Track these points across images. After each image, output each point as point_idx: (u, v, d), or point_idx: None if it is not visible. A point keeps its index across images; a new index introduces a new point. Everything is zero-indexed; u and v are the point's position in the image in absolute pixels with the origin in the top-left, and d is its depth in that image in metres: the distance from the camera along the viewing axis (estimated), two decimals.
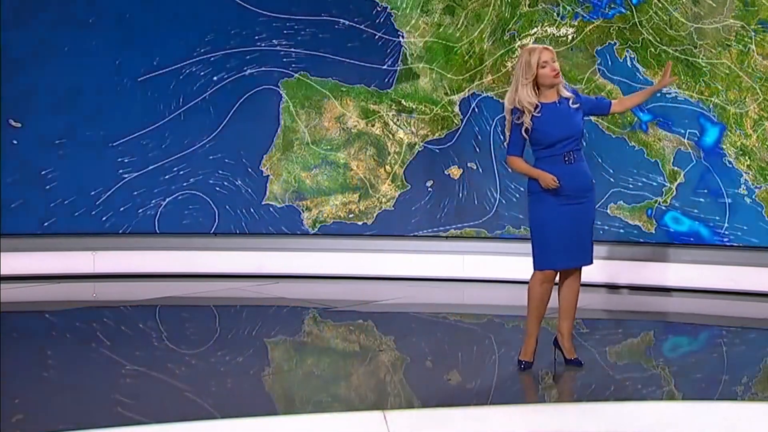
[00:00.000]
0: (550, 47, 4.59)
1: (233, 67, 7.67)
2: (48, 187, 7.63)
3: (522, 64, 4.51)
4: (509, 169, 4.74)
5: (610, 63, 7.08)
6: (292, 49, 7.66)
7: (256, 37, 7.66)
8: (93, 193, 7.67)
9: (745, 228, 6.82)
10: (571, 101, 4.54)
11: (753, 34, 6.69)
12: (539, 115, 4.47)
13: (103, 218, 7.69)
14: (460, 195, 7.53)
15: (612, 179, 7.13)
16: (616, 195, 7.14)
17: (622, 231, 7.15)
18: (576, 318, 4.74)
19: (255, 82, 7.68)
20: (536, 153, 4.58)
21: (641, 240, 7.11)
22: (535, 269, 4.59)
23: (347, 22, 7.61)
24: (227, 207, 7.74)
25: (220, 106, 7.68)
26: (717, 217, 6.88)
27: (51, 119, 7.60)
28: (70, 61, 7.60)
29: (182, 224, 7.75)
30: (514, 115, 4.51)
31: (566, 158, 4.50)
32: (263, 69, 7.67)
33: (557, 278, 4.66)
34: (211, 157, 7.72)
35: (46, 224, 7.63)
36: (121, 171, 7.70)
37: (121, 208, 7.70)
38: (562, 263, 4.58)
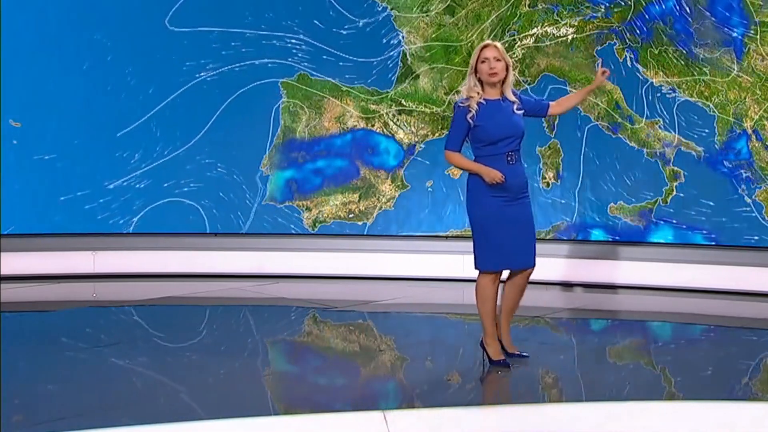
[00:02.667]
0: (499, 45, 4.58)
1: (233, 66, 7.67)
2: (48, 186, 7.63)
3: (472, 56, 4.59)
4: (450, 164, 4.75)
5: (610, 63, 7.08)
6: (292, 49, 7.66)
7: (257, 35, 7.66)
8: (93, 192, 7.67)
9: (744, 228, 6.82)
10: (515, 106, 4.56)
11: (752, 33, 6.69)
12: (480, 106, 4.48)
13: (104, 218, 7.69)
14: (461, 195, 7.53)
15: (612, 179, 7.14)
16: (616, 195, 7.15)
17: (622, 231, 7.15)
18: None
19: (255, 82, 7.67)
20: (477, 151, 4.56)
21: (640, 240, 7.12)
22: (481, 270, 4.57)
23: (347, 22, 7.61)
24: (227, 207, 7.74)
25: (220, 105, 7.68)
26: (716, 217, 6.88)
27: (51, 119, 7.60)
28: (71, 61, 7.60)
29: (182, 224, 7.75)
30: (458, 109, 4.53)
31: (508, 158, 4.52)
32: (263, 69, 7.67)
33: (504, 276, 4.69)
34: (211, 157, 7.72)
35: (46, 224, 7.64)
36: (121, 171, 7.70)
37: (121, 208, 7.70)
38: (508, 263, 4.58)
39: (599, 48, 7.13)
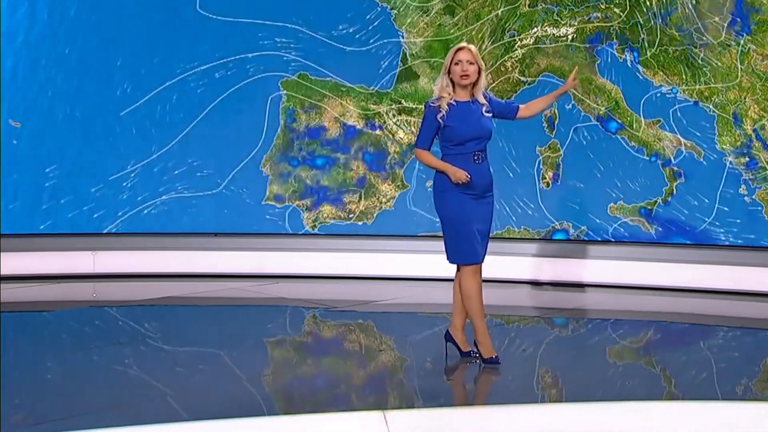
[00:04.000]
0: (473, 49, 4.64)
1: (233, 66, 7.67)
2: (48, 186, 7.63)
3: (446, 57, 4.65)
4: (419, 162, 4.82)
5: (610, 63, 7.08)
6: (293, 49, 7.66)
7: (257, 36, 7.66)
8: (92, 193, 7.67)
9: (744, 227, 6.82)
10: (484, 108, 4.63)
11: (753, 33, 6.69)
12: (451, 107, 4.55)
13: (104, 218, 7.68)
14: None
15: (612, 179, 7.14)
16: (615, 195, 7.15)
17: (622, 231, 7.15)
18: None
19: (255, 81, 7.67)
20: (445, 150, 4.64)
21: (641, 240, 7.12)
22: (461, 264, 4.64)
23: (348, 22, 7.61)
24: (227, 207, 7.74)
25: (220, 105, 7.68)
26: (716, 217, 6.88)
27: (51, 118, 7.60)
28: (71, 61, 7.60)
29: (182, 224, 7.75)
30: (428, 108, 4.60)
31: (475, 157, 4.58)
32: (263, 69, 7.67)
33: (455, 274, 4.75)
34: (210, 156, 7.72)
35: (45, 224, 7.63)
36: (121, 170, 7.69)
37: (122, 208, 7.70)
38: (481, 256, 4.64)
39: (599, 48, 7.13)
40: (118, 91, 7.65)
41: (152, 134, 7.70)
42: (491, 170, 4.68)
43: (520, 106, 4.85)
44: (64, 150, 7.64)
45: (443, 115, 4.55)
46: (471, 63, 4.57)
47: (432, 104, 4.61)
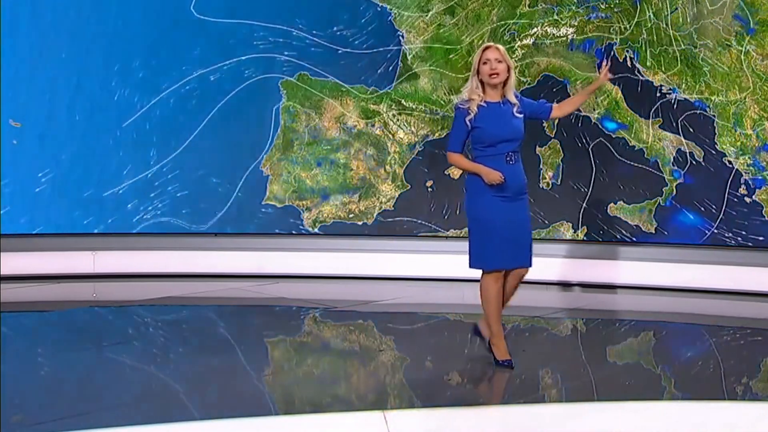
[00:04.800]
0: (501, 47, 4.59)
1: (233, 66, 7.67)
2: (48, 186, 7.62)
3: (474, 58, 4.61)
4: (451, 165, 4.77)
5: (610, 63, 7.08)
6: (293, 50, 7.66)
7: (257, 36, 7.66)
8: (94, 192, 7.67)
9: (744, 228, 6.82)
10: (515, 108, 4.57)
11: (753, 33, 6.69)
12: (481, 108, 4.49)
13: (103, 218, 7.68)
14: (461, 195, 7.52)
15: (612, 179, 7.14)
16: (616, 195, 7.15)
17: (622, 231, 7.15)
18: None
19: (255, 82, 7.67)
20: (477, 152, 4.58)
21: (641, 240, 7.12)
22: (482, 269, 4.59)
23: (347, 22, 7.61)
24: (227, 207, 7.74)
25: (220, 105, 7.68)
26: (716, 217, 6.88)
27: (51, 118, 7.60)
28: (72, 61, 7.60)
29: (182, 224, 7.75)
30: (458, 110, 4.55)
31: (508, 158, 4.53)
32: (263, 69, 7.67)
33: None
34: (210, 157, 7.71)
35: (46, 224, 7.64)
36: (120, 170, 7.69)
37: (122, 208, 7.70)
38: (505, 263, 4.59)
39: (599, 48, 7.13)
40: (116, 95, 7.64)
41: (152, 135, 7.69)
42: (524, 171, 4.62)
43: (554, 105, 4.79)
44: (63, 153, 7.63)
45: (471, 117, 4.49)
46: (499, 61, 4.51)
47: (461, 106, 4.55)
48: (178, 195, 7.72)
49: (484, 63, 4.52)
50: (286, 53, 7.67)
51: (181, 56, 7.65)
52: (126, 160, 7.68)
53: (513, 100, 4.59)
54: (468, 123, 4.50)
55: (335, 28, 7.63)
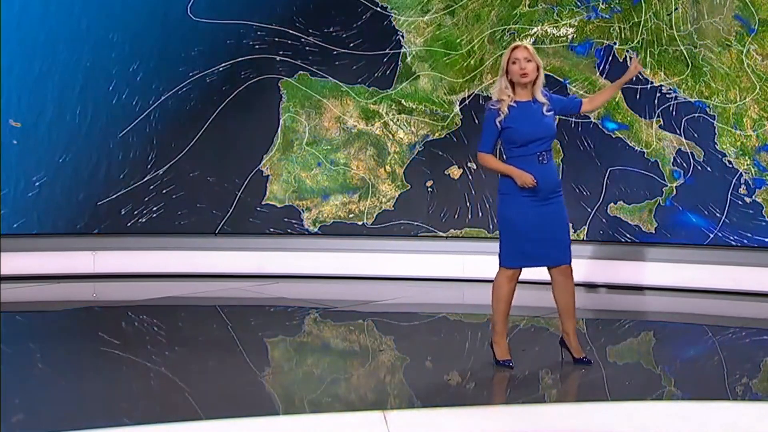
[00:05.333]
0: (529, 46, 4.58)
1: (233, 66, 7.67)
2: (48, 186, 7.62)
3: (502, 58, 4.59)
4: (481, 166, 4.73)
5: (610, 63, 7.09)
6: (292, 50, 7.66)
7: (257, 36, 7.66)
8: (93, 192, 7.67)
9: (744, 228, 6.82)
10: (545, 107, 4.55)
11: (753, 33, 6.70)
12: (511, 108, 4.48)
13: (103, 218, 7.68)
14: (460, 195, 7.53)
15: (612, 179, 7.14)
16: (616, 195, 7.15)
17: (622, 231, 7.15)
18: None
19: (255, 82, 7.67)
20: (509, 152, 4.57)
21: (641, 240, 7.12)
22: (501, 266, 4.60)
23: (347, 22, 7.61)
24: (227, 207, 7.74)
25: (220, 105, 7.68)
26: (716, 217, 6.88)
27: (51, 117, 7.60)
28: (73, 62, 7.59)
29: (182, 224, 7.75)
30: (488, 111, 4.54)
31: (540, 158, 4.52)
32: (263, 69, 7.67)
33: (550, 279, 4.68)
34: (211, 157, 7.72)
35: (47, 224, 7.63)
36: (121, 170, 7.69)
37: (122, 208, 7.70)
38: (533, 262, 4.59)
39: (599, 48, 7.13)
40: (114, 99, 7.64)
41: (152, 136, 7.69)
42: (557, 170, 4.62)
43: (584, 100, 4.77)
44: (66, 153, 7.62)
45: (502, 118, 4.47)
46: (528, 60, 4.48)
47: (492, 107, 4.53)
48: (178, 196, 7.72)
49: (513, 63, 4.50)
50: (286, 54, 7.67)
51: (180, 57, 7.64)
52: (125, 162, 7.68)
53: (542, 99, 4.56)
54: (498, 124, 4.48)
55: (335, 29, 7.63)
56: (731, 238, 6.86)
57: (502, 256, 4.59)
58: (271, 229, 7.74)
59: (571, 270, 4.64)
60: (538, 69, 4.52)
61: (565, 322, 4.69)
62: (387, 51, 7.58)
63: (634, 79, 6.91)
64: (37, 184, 7.59)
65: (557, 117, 4.70)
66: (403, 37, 7.57)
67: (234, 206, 7.74)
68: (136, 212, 7.72)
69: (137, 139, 7.68)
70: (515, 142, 4.51)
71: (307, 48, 7.66)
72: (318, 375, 4.79)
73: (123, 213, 7.70)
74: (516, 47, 4.54)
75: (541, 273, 4.68)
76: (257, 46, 7.67)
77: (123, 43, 7.62)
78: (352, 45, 7.62)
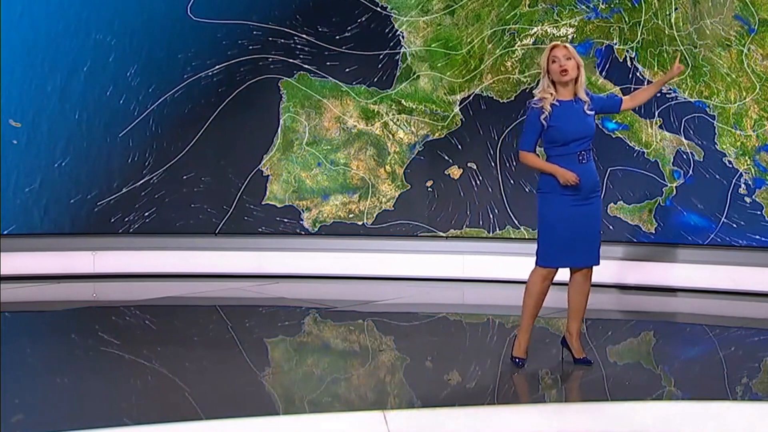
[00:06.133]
0: (568, 45, 4.57)
1: (233, 66, 7.67)
2: (48, 186, 7.62)
3: (542, 58, 4.59)
4: (523, 165, 4.71)
5: (610, 63, 7.09)
6: (293, 50, 7.66)
7: (256, 36, 7.66)
8: (93, 192, 7.67)
9: (744, 228, 6.82)
10: (586, 106, 4.54)
11: (752, 33, 6.69)
12: (553, 107, 4.47)
13: (103, 218, 7.68)
14: (460, 195, 7.53)
15: (611, 179, 7.14)
16: (616, 195, 7.15)
17: (622, 231, 7.15)
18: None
19: (255, 82, 7.67)
20: (549, 151, 4.57)
21: (641, 240, 7.12)
22: (538, 265, 4.60)
23: (347, 22, 7.61)
24: (227, 207, 7.74)
25: (220, 105, 7.68)
26: (716, 217, 6.88)
27: (51, 118, 7.60)
28: (73, 62, 7.59)
29: (182, 224, 7.74)
30: (531, 110, 4.53)
31: (580, 157, 4.51)
32: (263, 69, 7.67)
33: (568, 278, 4.68)
34: (211, 157, 7.72)
35: (46, 224, 7.63)
36: (121, 170, 7.69)
37: (121, 209, 7.70)
38: (568, 262, 4.61)
39: (599, 48, 7.13)
40: (115, 99, 7.63)
41: (152, 136, 7.69)
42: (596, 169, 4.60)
43: (624, 98, 4.76)
44: (66, 154, 7.62)
45: (546, 116, 4.46)
46: (568, 58, 4.47)
47: (534, 105, 4.51)
48: (178, 195, 7.72)
49: (553, 61, 4.49)
50: (286, 54, 7.66)
51: (181, 57, 7.64)
52: (125, 162, 7.68)
53: (584, 97, 4.55)
54: (544, 122, 4.46)
55: (335, 29, 7.62)
56: (731, 238, 6.86)
57: (540, 255, 4.59)
58: (262, 229, 7.72)
59: (592, 272, 4.66)
60: (578, 67, 4.51)
61: (571, 322, 4.71)
62: (387, 51, 7.58)
63: (639, 78, 6.98)
64: (37, 184, 7.59)
65: (597, 116, 4.69)
66: (403, 37, 7.57)
67: (234, 206, 7.74)
68: (135, 212, 7.72)
69: (137, 139, 7.68)
70: (557, 141, 4.50)
71: (307, 48, 7.66)
72: (318, 375, 4.79)
73: (123, 213, 7.70)
74: (555, 46, 4.54)
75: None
76: (257, 46, 7.67)
77: (123, 43, 7.61)
78: (352, 45, 7.62)
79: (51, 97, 7.58)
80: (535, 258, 4.63)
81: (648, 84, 4.85)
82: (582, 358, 4.69)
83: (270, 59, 7.67)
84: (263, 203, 7.76)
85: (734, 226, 6.84)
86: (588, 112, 4.55)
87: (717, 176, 6.88)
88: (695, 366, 5.10)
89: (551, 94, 4.51)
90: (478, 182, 7.46)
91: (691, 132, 6.94)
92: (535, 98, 4.56)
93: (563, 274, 4.71)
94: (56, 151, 7.61)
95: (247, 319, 6.33)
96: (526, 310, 4.63)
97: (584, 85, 4.57)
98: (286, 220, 7.76)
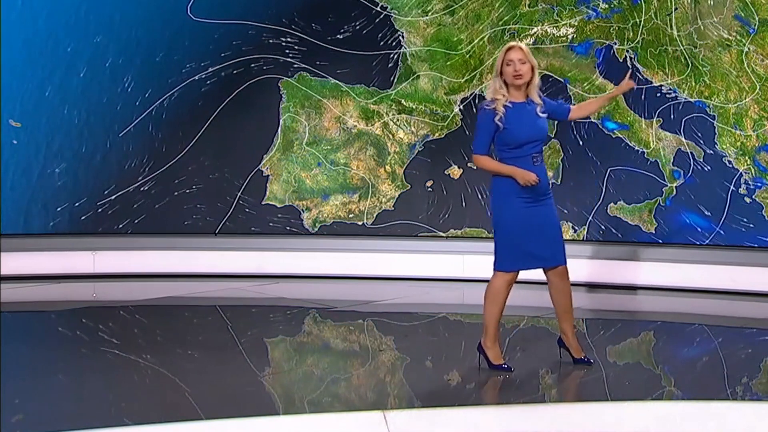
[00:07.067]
0: (524, 47, 4.52)
1: (233, 67, 7.67)
2: (48, 186, 7.62)
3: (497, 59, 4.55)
4: (477, 168, 4.70)
5: (610, 63, 7.08)
6: (293, 50, 7.66)
7: (256, 36, 7.66)
8: (93, 192, 7.67)
9: (744, 228, 6.82)
10: (539, 108, 4.52)
11: (752, 33, 6.69)
12: (506, 109, 4.43)
13: (104, 218, 7.68)
14: (460, 195, 7.54)
15: (611, 179, 7.14)
16: (615, 195, 7.15)
17: (622, 231, 7.15)
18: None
19: (255, 82, 7.68)
20: (502, 154, 4.51)
21: (641, 240, 7.12)
22: (500, 270, 4.54)
23: (347, 23, 7.61)
24: (227, 207, 7.74)
25: (220, 105, 7.68)
26: (716, 217, 6.88)
27: (51, 118, 7.60)
28: (73, 62, 7.59)
29: (182, 224, 7.75)
30: (483, 112, 4.49)
31: (534, 160, 4.48)
32: (263, 69, 7.67)
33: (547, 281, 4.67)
34: (211, 157, 7.72)
35: (47, 225, 7.63)
36: (121, 170, 7.69)
37: (121, 209, 7.70)
38: (531, 264, 4.56)
39: (599, 48, 7.13)
40: (115, 98, 7.63)
41: (152, 137, 7.69)
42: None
43: (572, 107, 4.75)
44: (67, 154, 7.62)
45: (501, 117, 4.42)
46: (523, 62, 4.43)
47: (487, 107, 4.46)
48: (178, 195, 7.73)
49: (508, 64, 4.45)
50: (285, 54, 7.67)
51: (181, 57, 7.64)
52: (125, 162, 7.68)
53: (537, 99, 4.53)
54: (498, 123, 4.42)
55: (335, 29, 7.62)
56: (730, 238, 6.86)
57: (500, 260, 4.55)
58: (255, 229, 7.72)
59: (567, 271, 4.62)
60: (533, 70, 4.48)
61: (562, 323, 4.68)
62: (387, 51, 7.58)
63: (638, 77, 6.97)
64: (37, 184, 7.59)
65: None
66: (403, 37, 7.57)
67: (234, 206, 7.74)
68: (135, 212, 7.71)
69: (137, 139, 7.68)
70: (509, 143, 4.46)
71: (307, 48, 7.66)
72: (318, 375, 4.79)
73: (123, 213, 7.70)
74: (510, 48, 4.48)
75: (540, 273, 4.68)
76: (257, 46, 7.67)
77: (123, 43, 7.61)
78: (352, 45, 7.62)
79: (51, 96, 7.58)
80: (495, 263, 4.57)
81: (597, 96, 4.74)
82: (582, 358, 4.68)
83: (270, 59, 7.67)
84: (263, 203, 7.76)
85: (734, 226, 6.84)
86: (540, 114, 4.52)
87: (717, 176, 6.88)
88: (695, 366, 5.10)
89: (503, 95, 4.47)
90: (478, 182, 7.46)
91: (691, 132, 6.94)
92: (487, 100, 4.52)
93: (540, 274, 4.67)
94: (56, 151, 7.61)
95: (247, 319, 6.33)
96: (492, 318, 4.57)
97: (537, 87, 4.54)
98: (288, 219, 7.76)
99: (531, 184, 4.41)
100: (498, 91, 4.48)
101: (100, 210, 7.68)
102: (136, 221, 7.72)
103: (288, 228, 7.75)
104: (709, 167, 6.91)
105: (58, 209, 7.63)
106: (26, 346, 5.42)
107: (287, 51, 7.67)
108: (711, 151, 6.89)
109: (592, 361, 4.70)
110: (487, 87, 4.61)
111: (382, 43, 7.58)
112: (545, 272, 4.62)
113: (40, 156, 7.59)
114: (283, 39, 7.67)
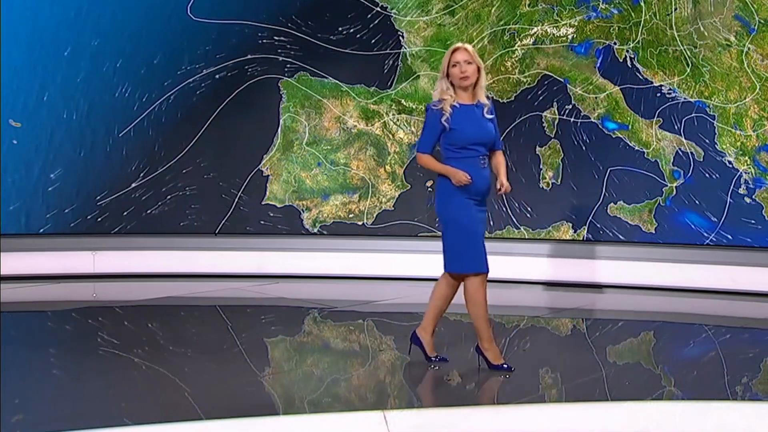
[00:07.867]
0: (470, 48, 4.51)
1: (233, 66, 7.67)
2: (48, 186, 7.62)
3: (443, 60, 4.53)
4: (419, 166, 4.72)
5: (609, 63, 7.09)
6: (293, 50, 7.66)
7: (256, 36, 7.67)
8: (93, 192, 7.67)
9: (744, 228, 6.82)
10: (486, 109, 4.51)
11: (752, 33, 6.70)
12: (453, 109, 4.42)
13: (103, 218, 7.68)
14: None
15: (611, 179, 7.14)
16: (615, 195, 7.15)
17: (622, 231, 7.16)
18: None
19: (255, 82, 7.68)
20: (448, 153, 4.50)
21: (641, 240, 7.13)
22: (473, 272, 4.49)
23: (347, 23, 7.61)
24: (227, 207, 7.74)
25: (220, 105, 7.68)
26: (716, 217, 6.89)
27: (51, 118, 7.60)
28: (73, 62, 7.59)
29: (182, 224, 7.75)
30: (430, 112, 4.49)
31: (481, 161, 4.48)
32: (263, 69, 7.67)
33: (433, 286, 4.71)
34: (211, 157, 7.72)
35: (47, 225, 7.63)
36: (120, 170, 7.69)
37: (122, 208, 7.69)
38: (487, 265, 4.52)
39: (599, 48, 7.13)
40: (115, 98, 7.63)
41: (152, 138, 7.69)
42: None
43: (497, 151, 4.60)
44: (66, 154, 7.62)
45: (447, 118, 4.42)
46: (469, 63, 4.44)
47: (434, 107, 4.47)
48: (178, 196, 7.72)
49: (453, 66, 4.45)
50: (285, 54, 7.67)
51: (180, 57, 7.64)
52: (124, 162, 7.68)
53: (484, 100, 4.52)
54: (444, 124, 4.41)
55: (335, 29, 7.63)
56: (731, 238, 6.86)
57: (469, 262, 4.50)
58: (248, 228, 7.73)
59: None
60: (479, 71, 4.47)
61: (432, 321, 4.73)
62: (387, 51, 7.58)
63: (638, 77, 6.98)
64: (36, 183, 7.59)
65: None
66: (403, 37, 7.57)
67: (234, 206, 7.74)
68: (134, 213, 7.71)
69: (137, 139, 7.68)
70: (455, 143, 4.46)
71: (307, 48, 7.66)
72: (318, 375, 4.79)
73: (122, 213, 7.70)
74: (456, 49, 4.49)
75: (541, 273, 4.68)
76: (257, 46, 7.67)
77: (123, 43, 7.61)
78: (352, 45, 7.62)
79: (51, 96, 7.58)
80: (449, 265, 4.54)
81: (500, 169, 4.57)
82: (435, 356, 4.68)
83: (270, 59, 7.67)
84: (263, 203, 7.76)
85: (734, 226, 6.84)
86: (487, 116, 4.51)
87: (717, 176, 6.88)
88: (695, 366, 5.10)
89: (451, 96, 4.46)
90: None
91: (691, 132, 6.94)
92: (434, 100, 4.52)
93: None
94: (56, 151, 7.60)
95: (247, 319, 6.33)
96: (481, 320, 4.53)
97: (484, 88, 4.53)
98: (285, 220, 7.76)
99: (463, 184, 4.39)
100: (445, 92, 4.47)
101: (100, 210, 7.67)
102: (135, 221, 7.72)
103: (281, 227, 7.75)
104: (709, 167, 6.91)
105: (58, 209, 7.63)
106: (26, 346, 5.42)
107: (287, 51, 7.68)
108: (711, 151, 6.89)
109: (513, 367, 4.57)
110: (434, 88, 4.58)
111: (382, 43, 7.58)
112: (469, 276, 4.53)
113: (40, 156, 7.59)
114: (283, 39, 7.67)
